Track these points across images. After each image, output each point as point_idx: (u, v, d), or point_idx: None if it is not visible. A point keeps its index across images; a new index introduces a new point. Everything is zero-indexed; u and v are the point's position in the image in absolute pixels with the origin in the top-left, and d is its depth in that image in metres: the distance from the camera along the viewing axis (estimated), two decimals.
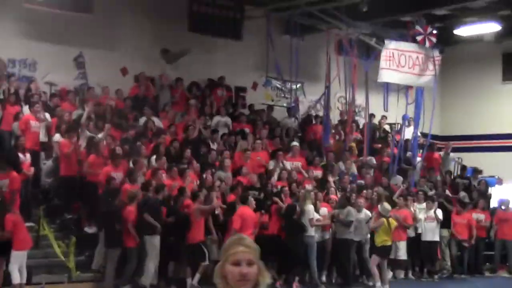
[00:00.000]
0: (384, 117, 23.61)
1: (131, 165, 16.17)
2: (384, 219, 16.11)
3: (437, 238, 18.64)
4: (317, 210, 16.80)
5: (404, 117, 21.93)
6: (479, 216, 19.99)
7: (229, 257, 3.52)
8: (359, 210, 16.95)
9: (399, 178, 20.39)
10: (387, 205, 16.53)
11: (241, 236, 3.64)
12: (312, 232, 16.43)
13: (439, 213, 18.60)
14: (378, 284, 16.13)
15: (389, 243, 16.31)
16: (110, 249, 14.58)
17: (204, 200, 15.30)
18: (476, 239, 19.61)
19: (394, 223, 16.36)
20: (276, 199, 16.60)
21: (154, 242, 14.57)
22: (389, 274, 17.35)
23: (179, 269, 15.32)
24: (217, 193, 16.12)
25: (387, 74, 20.10)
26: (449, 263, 19.12)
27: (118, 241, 14.49)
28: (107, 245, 14.62)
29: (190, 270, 15.07)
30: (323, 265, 17.00)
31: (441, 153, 22.89)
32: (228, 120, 20.63)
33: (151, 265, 14.54)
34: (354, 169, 20.28)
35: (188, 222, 14.97)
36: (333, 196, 17.70)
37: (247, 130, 20.41)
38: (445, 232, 19.07)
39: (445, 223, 18.95)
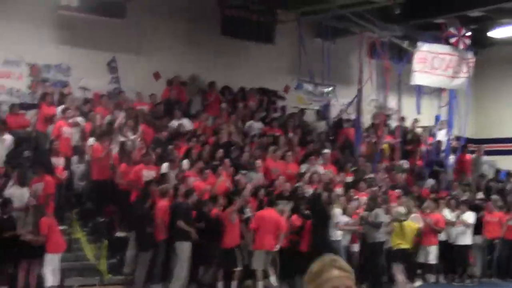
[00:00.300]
0: (416, 120, 23.46)
1: (163, 166, 16.31)
2: (396, 224, 16.02)
3: (468, 242, 18.39)
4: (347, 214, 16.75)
5: (437, 118, 21.76)
6: None
7: (322, 284, 2.93)
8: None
9: (431, 182, 20.20)
10: (400, 209, 16.47)
11: (334, 258, 3.05)
12: (339, 236, 16.37)
13: (470, 217, 18.39)
14: None
15: (403, 246, 16.16)
16: (141, 252, 14.73)
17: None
18: (509, 242, 19.38)
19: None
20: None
21: (184, 248, 14.62)
22: (417, 282, 17.19)
23: (208, 273, 15.41)
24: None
25: (420, 76, 19.97)
26: (478, 272, 18.83)
27: (150, 243, 14.65)
28: (139, 248, 14.78)
29: (221, 274, 15.15)
30: None
31: (473, 155, 22.66)
32: (260, 125, 20.64)
33: (182, 271, 14.59)
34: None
35: (218, 227, 15.03)
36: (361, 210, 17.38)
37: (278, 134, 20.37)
38: (478, 239, 18.81)
39: (478, 230, 18.69)
